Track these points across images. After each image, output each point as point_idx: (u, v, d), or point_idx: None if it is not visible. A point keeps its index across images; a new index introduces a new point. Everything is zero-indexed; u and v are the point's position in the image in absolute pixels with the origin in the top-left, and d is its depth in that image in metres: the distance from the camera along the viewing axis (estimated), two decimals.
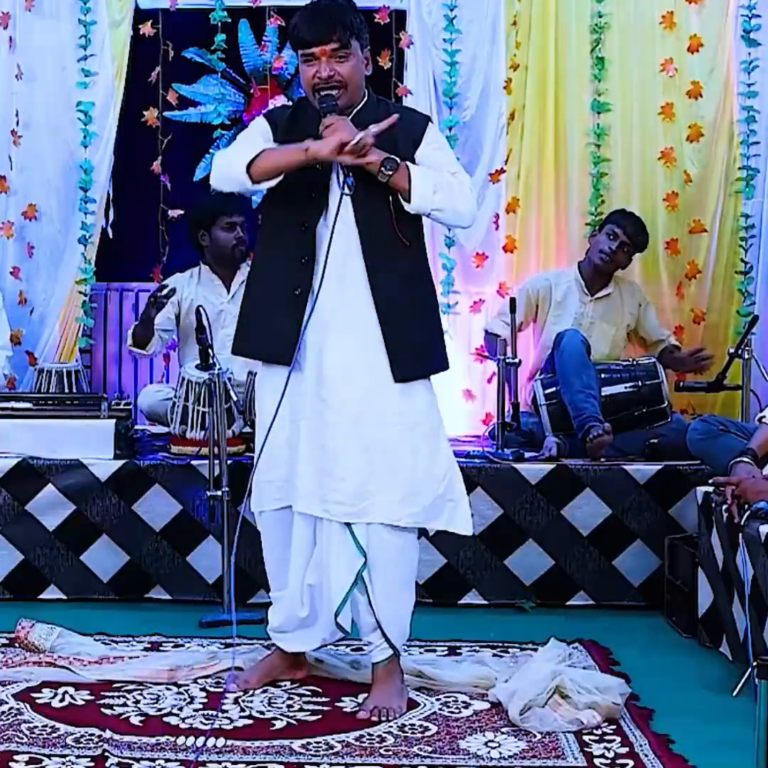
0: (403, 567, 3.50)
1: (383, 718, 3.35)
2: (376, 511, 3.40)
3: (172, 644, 4.05)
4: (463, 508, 3.54)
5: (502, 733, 3.28)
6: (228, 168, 3.40)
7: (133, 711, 3.40)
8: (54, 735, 3.21)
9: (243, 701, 3.48)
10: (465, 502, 3.55)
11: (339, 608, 3.44)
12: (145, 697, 3.50)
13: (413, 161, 3.38)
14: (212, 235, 5.18)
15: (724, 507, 3.80)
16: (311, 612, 3.54)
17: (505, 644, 4.07)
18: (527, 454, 4.77)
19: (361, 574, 3.42)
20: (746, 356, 4.75)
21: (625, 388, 5.01)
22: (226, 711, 3.40)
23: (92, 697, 3.49)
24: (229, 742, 3.17)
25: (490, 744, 3.20)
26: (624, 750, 3.17)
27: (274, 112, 3.60)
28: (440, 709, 3.46)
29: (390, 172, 3.28)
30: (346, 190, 3.32)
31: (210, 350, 4.36)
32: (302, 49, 3.38)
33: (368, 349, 3.40)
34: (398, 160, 3.30)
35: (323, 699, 3.53)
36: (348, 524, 3.42)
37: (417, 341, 3.44)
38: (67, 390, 5.09)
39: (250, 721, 3.34)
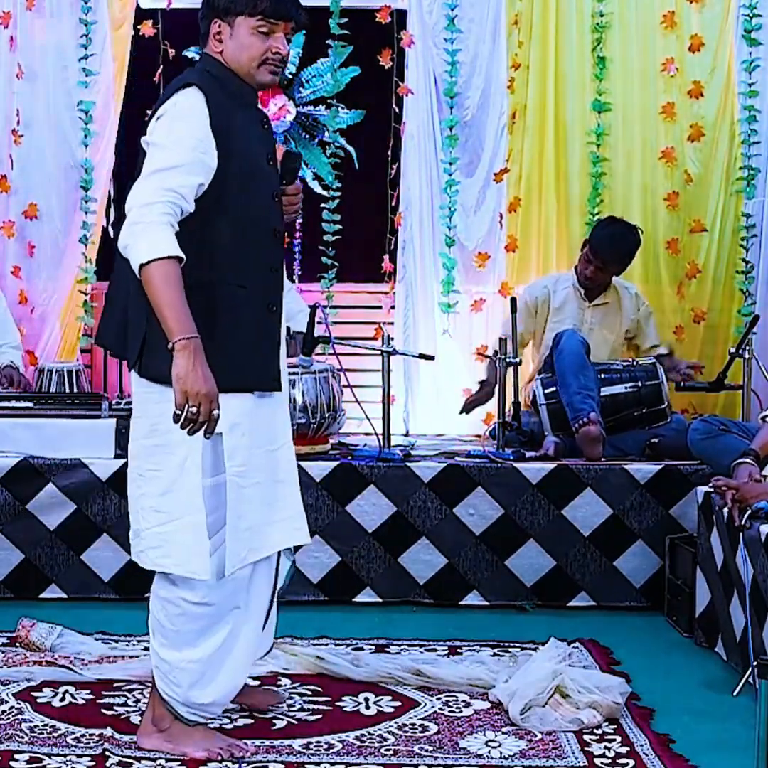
0: None
1: None
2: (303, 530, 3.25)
3: None
4: None
5: (503, 732, 3.28)
6: (140, 234, 2.95)
7: (133, 710, 3.39)
8: (54, 734, 3.21)
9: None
10: None
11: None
12: (145, 697, 3.48)
13: None
14: None
15: (726, 508, 3.80)
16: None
17: (506, 644, 4.07)
18: (528, 454, 4.77)
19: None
20: (747, 356, 4.76)
21: (625, 388, 5.01)
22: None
23: (93, 697, 3.50)
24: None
25: (490, 743, 3.20)
26: (624, 749, 3.17)
27: (203, 88, 3.01)
28: (441, 709, 3.46)
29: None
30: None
31: None
32: (265, 18, 3.06)
33: None
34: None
35: (323, 698, 3.53)
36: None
37: None
38: (67, 389, 5.10)
39: (251, 721, 3.34)
